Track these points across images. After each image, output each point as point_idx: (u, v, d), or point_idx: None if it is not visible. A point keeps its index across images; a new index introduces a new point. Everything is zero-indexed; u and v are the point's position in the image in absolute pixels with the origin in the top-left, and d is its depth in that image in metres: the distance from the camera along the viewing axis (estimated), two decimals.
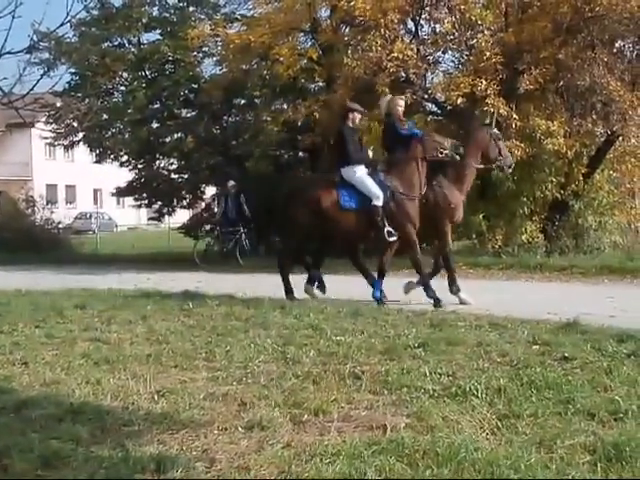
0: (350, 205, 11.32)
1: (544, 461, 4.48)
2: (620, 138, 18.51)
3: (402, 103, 12.33)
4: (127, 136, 24.23)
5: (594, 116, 17.90)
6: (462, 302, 11.39)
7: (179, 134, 24.02)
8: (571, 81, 17.19)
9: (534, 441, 4.83)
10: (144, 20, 23.76)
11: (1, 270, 18.89)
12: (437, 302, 11.06)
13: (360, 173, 11.37)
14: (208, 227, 23.54)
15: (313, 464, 4.49)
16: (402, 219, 11.30)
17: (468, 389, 5.97)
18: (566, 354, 7.14)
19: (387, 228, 11.10)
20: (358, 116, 12.11)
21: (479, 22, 17.75)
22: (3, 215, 29.42)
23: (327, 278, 12.68)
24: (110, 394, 6.21)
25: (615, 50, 18.12)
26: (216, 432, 5.21)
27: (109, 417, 5.59)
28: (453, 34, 18.04)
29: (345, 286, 12.69)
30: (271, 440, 4.98)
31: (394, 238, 11.23)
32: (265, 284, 13.92)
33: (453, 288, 11.77)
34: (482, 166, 12.36)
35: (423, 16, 18.62)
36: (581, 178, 19.04)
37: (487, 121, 13.41)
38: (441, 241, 12.22)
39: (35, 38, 6.92)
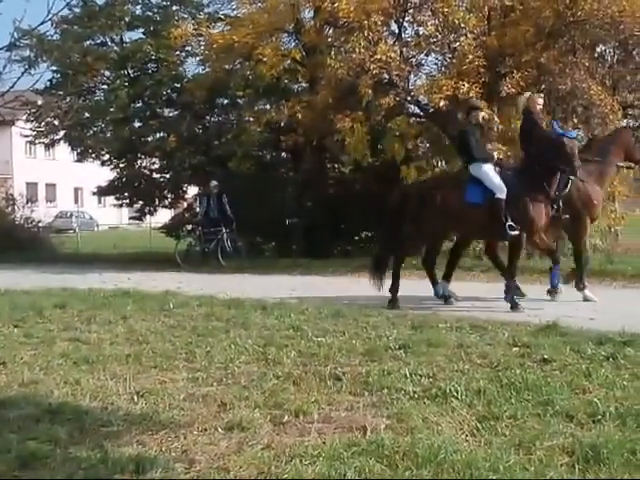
0: (476, 200, 11.29)
1: (523, 462, 4.51)
2: None
3: (541, 101, 12.44)
4: (109, 135, 24.12)
5: (575, 120, 17.96)
6: (586, 299, 11.69)
7: (161, 133, 23.91)
8: (552, 85, 17.22)
9: (513, 442, 4.86)
10: (127, 18, 23.65)
11: None
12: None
13: (486, 167, 11.41)
14: (190, 227, 23.40)
15: (293, 465, 4.49)
16: (529, 217, 11.22)
17: (448, 390, 6.00)
18: (545, 356, 7.18)
19: (508, 222, 11.07)
20: (481, 113, 12.28)
21: (462, 25, 17.78)
22: None
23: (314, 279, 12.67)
24: (89, 394, 6.20)
25: (596, 55, 18.22)
26: (196, 433, 5.21)
27: (88, 417, 5.57)
28: (436, 37, 18.06)
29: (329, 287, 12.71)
30: (251, 441, 4.98)
31: (515, 232, 11.16)
32: (246, 285, 13.96)
33: (580, 285, 11.97)
34: (623, 165, 12.60)
35: (406, 18, 18.64)
36: None
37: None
38: (580, 238, 12.39)
39: (16, 35, 6.86)
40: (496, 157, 11.91)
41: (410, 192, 12.70)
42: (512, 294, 11.21)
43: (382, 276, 11.98)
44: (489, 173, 11.37)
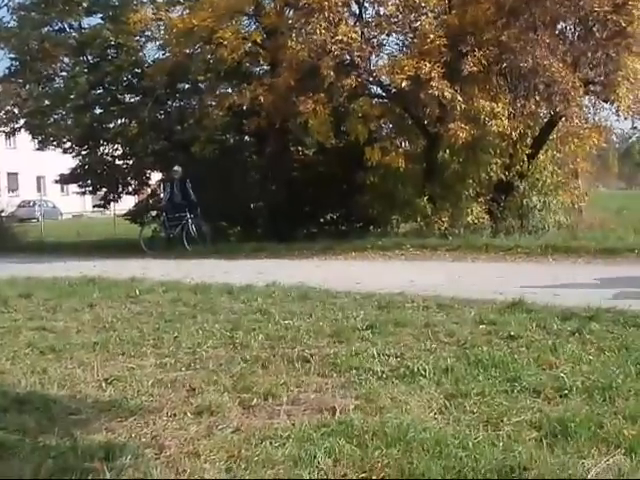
0: None
1: (491, 438, 4.55)
2: (563, 119, 18.70)
3: None
4: (70, 122, 23.82)
5: (537, 97, 18.06)
6: None
7: (123, 119, 23.68)
8: (514, 63, 17.27)
9: (481, 419, 4.91)
10: (85, 4, 23.27)
11: None
12: None
13: None
14: (154, 213, 23.30)
15: (263, 448, 4.51)
16: None
17: (416, 369, 6.04)
18: (512, 333, 7.25)
19: None
20: None
21: (423, 4, 17.79)
22: None
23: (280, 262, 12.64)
24: (57, 383, 6.17)
25: (557, 32, 18.25)
26: (165, 418, 5.20)
27: (56, 406, 5.55)
28: (397, 17, 18.03)
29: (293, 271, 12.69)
30: (220, 425, 4.99)
31: None
32: (212, 269, 13.90)
33: None
34: None
35: None
36: (525, 159, 19.27)
37: None
38: None
39: None
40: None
41: None
42: None
43: None
44: None
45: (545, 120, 19.54)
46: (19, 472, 4.28)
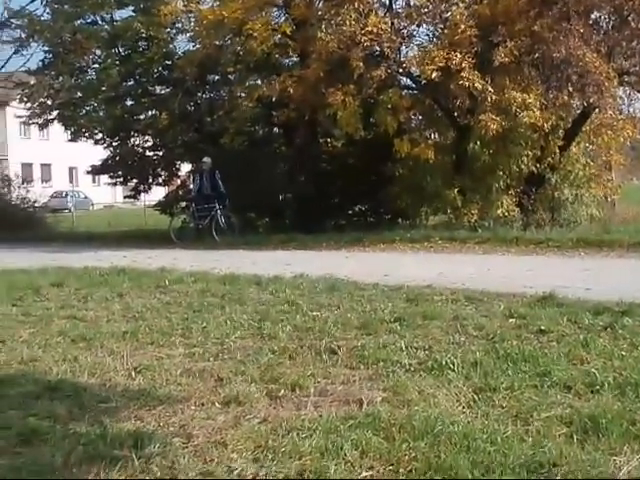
0: None
1: (520, 434, 4.51)
2: (596, 110, 18.51)
3: None
4: (101, 114, 24.02)
5: (570, 88, 17.84)
6: None
7: (153, 111, 23.83)
8: (547, 53, 17.11)
9: (510, 414, 4.86)
10: None
11: None
12: None
13: None
14: (184, 204, 23.42)
15: (290, 439, 4.50)
16: None
17: (444, 363, 6.00)
18: (542, 327, 7.18)
19: None
20: None
21: None
22: None
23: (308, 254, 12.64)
24: (87, 371, 6.21)
25: (591, 21, 18.04)
26: (193, 408, 5.22)
27: (86, 394, 5.60)
28: (427, 7, 17.91)
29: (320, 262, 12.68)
30: (248, 415, 4.99)
31: None
32: (241, 260, 13.93)
33: None
34: None
35: None
36: (557, 151, 19.11)
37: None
38: None
39: (6, 15, 6.77)
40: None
41: None
42: None
43: None
44: None
45: (578, 111, 19.34)
46: (50, 458, 4.32)
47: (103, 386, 5.85)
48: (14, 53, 24.45)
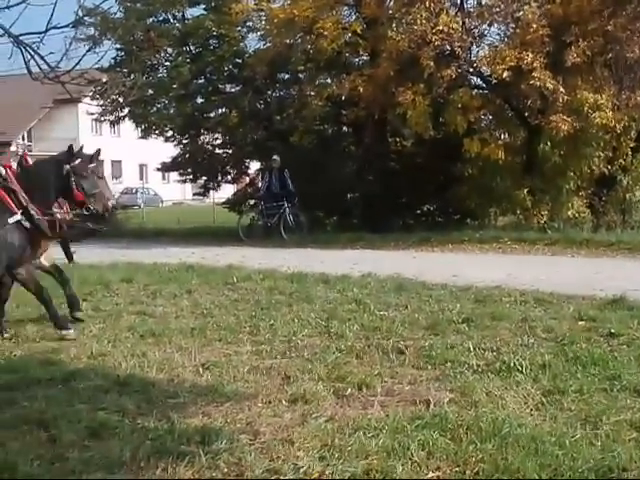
0: None
1: (589, 437, 4.46)
2: None
3: None
4: (172, 111, 24.29)
5: None
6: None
7: (223, 109, 24.02)
8: (620, 53, 16.85)
9: (579, 417, 4.82)
10: None
11: None
12: None
13: None
14: (252, 202, 23.54)
15: (356, 437, 4.51)
16: None
17: (512, 365, 5.96)
18: (612, 330, 7.08)
19: None
20: None
21: None
22: None
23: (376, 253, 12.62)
24: (156, 367, 6.30)
25: None
26: (260, 405, 5.26)
27: (155, 389, 5.68)
28: (499, 6, 17.75)
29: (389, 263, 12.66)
30: (314, 413, 5.02)
31: None
32: (309, 259, 13.97)
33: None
34: None
35: None
36: (629, 152, 18.80)
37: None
38: None
39: (80, 13, 6.90)
40: None
41: None
42: None
43: None
44: None
45: None
46: (119, 452, 4.39)
47: (171, 382, 5.93)
48: (88, 51, 24.74)
